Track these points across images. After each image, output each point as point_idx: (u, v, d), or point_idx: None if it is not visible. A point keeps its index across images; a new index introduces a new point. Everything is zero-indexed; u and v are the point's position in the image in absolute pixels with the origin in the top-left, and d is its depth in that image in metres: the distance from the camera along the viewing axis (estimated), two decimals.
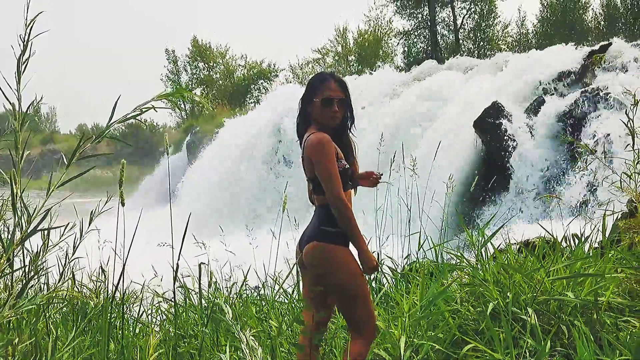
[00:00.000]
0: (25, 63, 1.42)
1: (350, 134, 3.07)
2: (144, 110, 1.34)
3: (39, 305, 1.78)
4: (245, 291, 4.47)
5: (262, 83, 44.56)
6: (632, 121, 2.60)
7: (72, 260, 2.26)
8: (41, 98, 1.59)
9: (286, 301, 4.31)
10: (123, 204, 2.23)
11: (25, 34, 1.39)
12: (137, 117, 1.36)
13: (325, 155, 2.75)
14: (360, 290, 2.78)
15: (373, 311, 2.84)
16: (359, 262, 2.82)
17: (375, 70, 23.43)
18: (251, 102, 41.35)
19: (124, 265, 2.50)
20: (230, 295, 4.28)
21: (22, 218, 1.37)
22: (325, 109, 2.87)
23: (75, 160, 1.37)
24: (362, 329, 2.75)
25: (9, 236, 1.37)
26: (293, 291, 4.33)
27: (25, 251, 1.68)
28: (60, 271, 2.30)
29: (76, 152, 1.33)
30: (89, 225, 2.02)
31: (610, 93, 10.35)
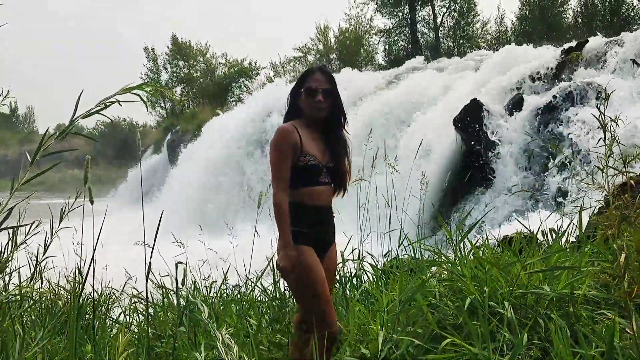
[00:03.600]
0: None
1: (345, 132, 3.07)
2: (107, 104, 1.31)
3: (5, 303, 1.75)
4: (225, 290, 4.44)
5: (243, 81, 44.36)
6: (604, 115, 2.63)
7: (44, 259, 2.22)
8: (8, 92, 1.54)
9: (266, 299, 4.29)
10: (92, 202, 2.19)
11: None
12: (101, 113, 1.33)
13: (275, 146, 2.79)
14: (311, 290, 2.77)
15: (327, 313, 2.80)
16: (318, 263, 2.81)
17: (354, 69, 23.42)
18: (232, 101, 41.14)
19: (90, 263, 2.46)
20: (210, 294, 4.26)
21: None
22: (309, 98, 2.87)
23: (39, 157, 1.33)
24: (312, 327, 2.73)
25: None
26: (274, 289, 4.31)
27: None
28: (32, 271, 2.26)
29: (39, 148, 1.30)
30: (60, 223, 1.98)
31: (586, 89, 10.48)
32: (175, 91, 43.16)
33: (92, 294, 2.97)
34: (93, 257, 2.46)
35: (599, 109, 2.82)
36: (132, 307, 4.04)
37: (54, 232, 1.86)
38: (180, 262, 2.88)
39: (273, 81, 36.13)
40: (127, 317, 3.99)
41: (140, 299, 3.90)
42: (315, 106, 2.87)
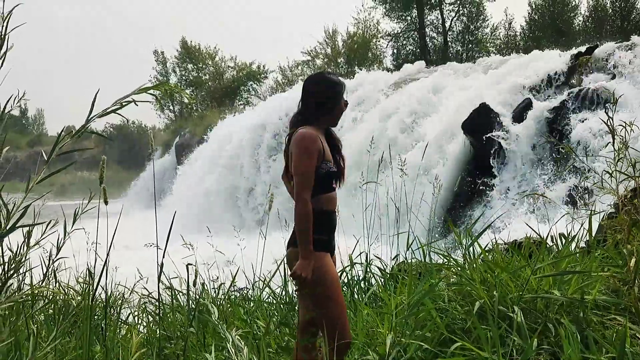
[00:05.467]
0: (3, 57, 1.39)
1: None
2: (124, 104, 1.32)
3: (20, 303, 1.76)
4: (233, 292, 4.45)
5: (251, 84, 44.47)
6: (612, 119, 2.62)
7: (57, 260, 2.23)
8: (23, 94, 1.56)
9: (274, 301, 4.29)
10: (106, 202, 2.21)
11: (2, 28, 1.37)
12: (118, 112, 1.34)
13: (306, 151, 2.71)
14: (332, 297, 2.75)
15: (344, 321, 2.78)
16: (335, 269, 2.82)
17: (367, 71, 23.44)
18: (240, 104, 41.25)
19: (104, 265, 2.47)
20: (218, 297, 4.26)
21: (1, 215, 1.35)
22: (340, 113, 2.96)
23: (54, 156, 1.35)
24: (330, 335, 2.69)
25: None
26: (281, 292, 4.32)
27: (6, 250, 1.66)
28: (44, 271, 2.27)
29: (55, 147, 1.31)
30: (72, 224, 2.00)
31: (595, 94, 10.44)
32: (177, 87, 43.28)
33: (105, 295, 2.99)
34: (107, 258, 2.48)
35: (607, 113, 2.81)
36: (141, 308, 4.05)
37: (67, 233, 1.88)
38: (190, 264, 2.89)
39: (281, 85, 36.24)
40: (136, 317, 4.01)
41: (150, 300, 3.92)
42: (339, 118, 2.98)
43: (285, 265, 3.14)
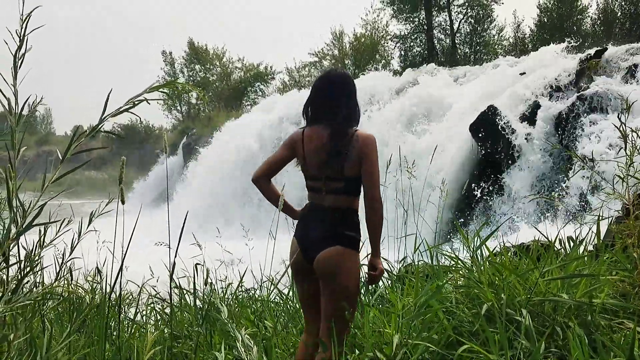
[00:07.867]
0: (22, 58, 1.42)
1: None
2: (136, 102, 1.34)
3: (35, 301, 1.79)
4: (241, 292, 4.46)
5: (258, 85, 44.53)
6: (625, 125, 2.62)
7: (69, 260, 2.26)
8: (41, 99, 1.58)
9: (281, 302, 4.30)
10: (123, 202, 2.22)
11: (21, 29, 1.40)
12: (130, 111, 1.36)
13: (376, 155, 2.74)
14: (357, 294, 2.91)
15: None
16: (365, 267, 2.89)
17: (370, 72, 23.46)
18: (248, 105, 41.32)
19: (121, 266, 2.49)
20: (226, 296, 4.28)
21: (18, 214, 1.37)
22: None
23: (69, 155, 1.37)
24: (345, 328, 2.85)
25: (4, 231, 1.37)
26: (288, 292, 4.33)
27: (21, 249, 1.69)
28: (57, 270, 2.30)
29: (70, 146, 1.33)
30: (88, 225, 2.02)
31: (605, 98, 10.40)
32: (192, 95, 43.58)
33: (119, 294, 3.01)
34: (124, 257, 2.50)
35: (619, 118, 2.81)
36: (149, 307, 4.07)
37: (81, 233, 1.90)
38: (199, 264, 2.91)
39: (288, 86, 36.29)
40: (144, 317, 4.03)
41: (159, 299, 3.94)
42: None
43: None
